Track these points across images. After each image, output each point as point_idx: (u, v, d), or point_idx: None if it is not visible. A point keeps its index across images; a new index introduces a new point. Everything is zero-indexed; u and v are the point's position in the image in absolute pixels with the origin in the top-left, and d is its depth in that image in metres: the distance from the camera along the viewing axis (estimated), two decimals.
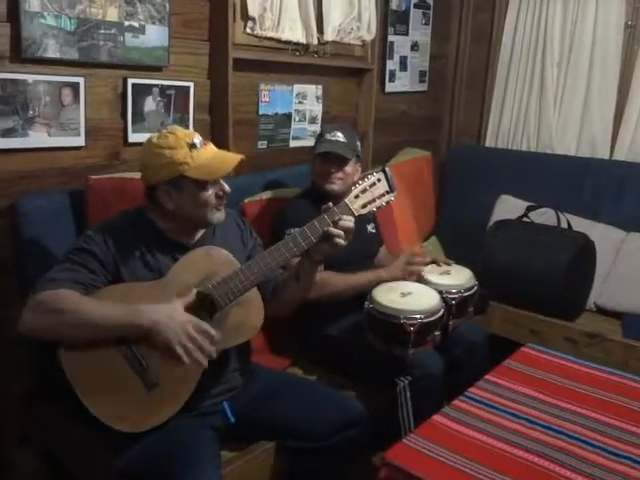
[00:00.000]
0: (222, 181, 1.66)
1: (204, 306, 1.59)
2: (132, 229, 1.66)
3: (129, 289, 1.58)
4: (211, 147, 1.67)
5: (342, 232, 1.65)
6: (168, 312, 1.52)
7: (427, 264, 2.22)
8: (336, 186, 2.20)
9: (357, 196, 1.70)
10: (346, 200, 1.69)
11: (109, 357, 1.54)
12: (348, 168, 2.22)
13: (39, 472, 2.05)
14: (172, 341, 1.50)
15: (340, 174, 2.20)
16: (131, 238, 1.64)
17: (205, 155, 1.62)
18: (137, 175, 1.99)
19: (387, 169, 1.73)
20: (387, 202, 1.73)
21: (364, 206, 1.70)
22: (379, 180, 1.72)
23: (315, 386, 1.97)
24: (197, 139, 1.63)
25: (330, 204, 1.69)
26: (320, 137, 2.26)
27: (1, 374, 1.97)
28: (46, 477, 2.05)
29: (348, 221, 1.67)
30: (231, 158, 1.67)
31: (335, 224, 1.65)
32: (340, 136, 2.21)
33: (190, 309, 1.57)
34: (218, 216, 1.67)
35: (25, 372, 1.99)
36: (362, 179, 1.72)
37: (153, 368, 1.55)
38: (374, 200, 1.71)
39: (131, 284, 1.59)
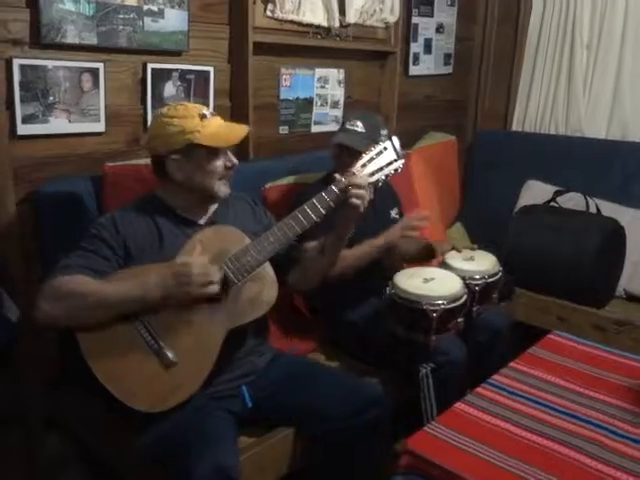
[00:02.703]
0: (229, 153, 1.70)
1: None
2: (143, 210, 1.69)
3: (140, 272, 1.58)
4: (219, 118, 1.71)
5: (357, 193, 1.63)
6: (165, 273, 1.53)
7: (445, 251, 2.19)
8: None
9: (364, 165, 1.69)
10: (352, 169, 1.68)
11: (125, 336, 1.55)
12: None
13: (65, 455, 2.07)
14: (184, 294, 1.53)
15: None
16: (142, 219, 1.67)
17: (215, 124, 1.66)
18: None
19: (394, 137, 1.72)
20: (395, 170, 1.71)
21: (372, 174, 1.69)
22: (385, 149, 1.70)
23: (333, 371, 1.95)
24: (206, 111, 1.67)
25: (337, 175, 1.67)
26: (342, 125, 2.21)
27: (27, 360, 1.99)
28: (72, 460, 2.07)
29: (359, 179, 1.65)
30: (240, 129, 1.70)
31: (346, 191, 1.64)
32: (359, 126, 2.12)
33: None
34: (224, 190, 1.70)
35: (50, 357, 2.00)
36: (368, 149, 1.71)
37: (170, 347, 1.56)
38: (381, 168, 1.69)
39: (142, 267, 1.59)
